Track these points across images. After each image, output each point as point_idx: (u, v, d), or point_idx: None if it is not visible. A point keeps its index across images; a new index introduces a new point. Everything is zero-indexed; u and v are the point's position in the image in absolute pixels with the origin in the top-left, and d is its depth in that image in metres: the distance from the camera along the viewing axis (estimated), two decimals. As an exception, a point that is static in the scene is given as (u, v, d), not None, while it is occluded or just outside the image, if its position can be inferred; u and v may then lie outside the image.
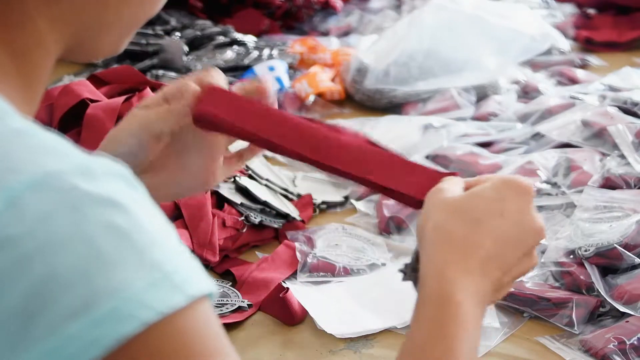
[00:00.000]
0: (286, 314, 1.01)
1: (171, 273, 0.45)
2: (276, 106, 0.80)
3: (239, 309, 1.02)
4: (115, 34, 0.60)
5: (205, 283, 0.48)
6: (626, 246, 1.02)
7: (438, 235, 0.68)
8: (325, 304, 1.00)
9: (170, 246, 0.47)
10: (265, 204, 1.20)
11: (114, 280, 0.44)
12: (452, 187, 0.72)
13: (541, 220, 0.71)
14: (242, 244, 1.16)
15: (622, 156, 1.25)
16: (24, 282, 0.43)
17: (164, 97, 0.78)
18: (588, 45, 1.98)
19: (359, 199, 1.29)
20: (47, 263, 0.43)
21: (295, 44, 1.86)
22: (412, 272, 0.70)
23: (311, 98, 1.64)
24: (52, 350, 0.42)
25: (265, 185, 1.26)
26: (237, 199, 1.19)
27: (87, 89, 1.21)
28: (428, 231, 0.68)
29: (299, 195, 1.29)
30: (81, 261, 0.43)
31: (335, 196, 1.31)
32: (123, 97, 1.20)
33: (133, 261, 0.44)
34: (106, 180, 0.46)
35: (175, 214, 1.13)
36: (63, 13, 0.55)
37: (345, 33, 2.10)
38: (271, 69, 1.67)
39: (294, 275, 1.09)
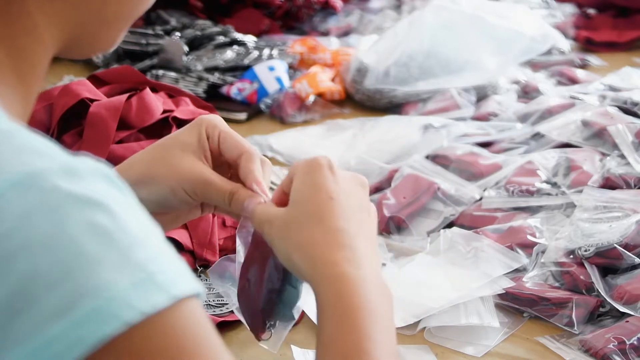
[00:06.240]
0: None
1: (155, 273, 0.45)
2: None
3: (239, 309, 1.02)
4: (114, 29, 0.60)
5: (191, 284, 0.47)
6: (626, 246, 1.02)
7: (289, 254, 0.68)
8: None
9: (154, 247, 0.47)
10: (265, 203, 1.19)
11: (96, 280, 0.43)
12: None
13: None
14: (242, 244, 1.16)
15: (622, 156, 1.25)
16: (7, 280, 0.42)
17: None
18: (588, 45, 1.98)
19: (358, 198, 1.28)
20: (30, 261, 0.43)
21: (295, 44, 1.86)
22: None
23: (311, 98, 1.64)
24: (36, 349, 0.42)
25: (265, 185, 1.26)
26: (237, 198, 1.19)
27: (86, 89, 1.21)
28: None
29: (298, 195, 1.28)
30: (63, 260, 0.43)
31: (335, 196, 1.30)
32: (125, 95, 1.20)
33: (116, 261, 0.44)
34: (90, 180, 0.46)
35: (175, 214, 1.13)
36: (62, 9, 0.55)
37: (345, 33, 2.09)
38: (271, 69, 1.67)
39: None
